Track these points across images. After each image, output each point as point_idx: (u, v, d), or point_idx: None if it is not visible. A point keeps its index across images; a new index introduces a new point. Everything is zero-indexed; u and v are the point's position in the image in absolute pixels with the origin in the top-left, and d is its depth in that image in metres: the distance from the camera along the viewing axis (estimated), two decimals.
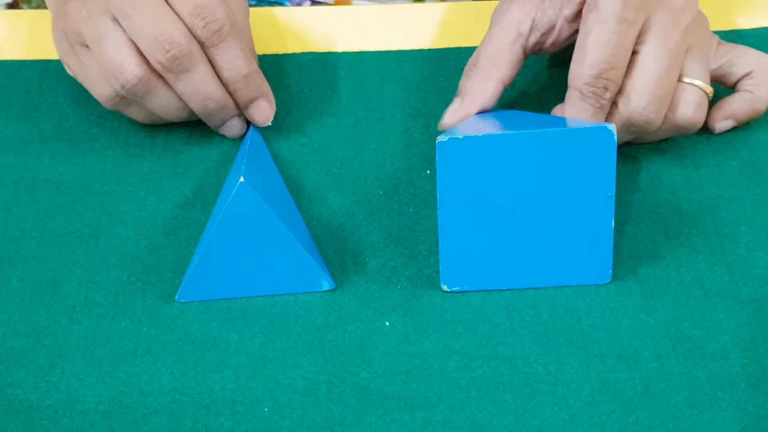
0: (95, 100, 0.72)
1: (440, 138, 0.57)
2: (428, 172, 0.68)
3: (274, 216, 0.59)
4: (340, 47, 0.75)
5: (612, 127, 0.57)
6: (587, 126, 0.57)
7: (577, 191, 0.58)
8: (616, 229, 0.64)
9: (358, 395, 0.57)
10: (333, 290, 0.62)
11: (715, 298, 0.61)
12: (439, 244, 0.60)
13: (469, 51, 0.74)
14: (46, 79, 0.74)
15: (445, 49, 0.74)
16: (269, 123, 0.68)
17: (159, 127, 0.71)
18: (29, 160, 0.69)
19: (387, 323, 0.60)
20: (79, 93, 0.73)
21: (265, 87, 0.67)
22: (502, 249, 0.60)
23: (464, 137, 0.57)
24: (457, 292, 0.61)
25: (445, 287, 0.61)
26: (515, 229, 0.59)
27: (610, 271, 0.61)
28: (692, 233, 0.64)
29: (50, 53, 0.74)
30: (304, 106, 0.72)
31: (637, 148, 0.68)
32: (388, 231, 0.65)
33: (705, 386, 0.56)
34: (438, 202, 0.59)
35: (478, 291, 0.61)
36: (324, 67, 0.75)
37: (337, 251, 0.64)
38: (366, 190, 0.67)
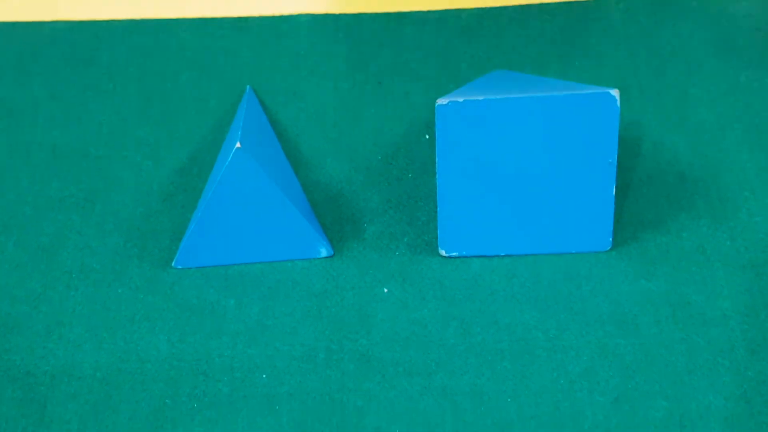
0: (90, 63, 0.72)
1: (440, 101, 0.57)
2: (427, 137, 0.67)
3: (271, 182, 0.58)
4: (338, 9, 0.74)
5: (615, 92, 0.56)
6: (590, 91, 0.56)
7: (578, 157, 0.58)
8: (617, 195, 0.63)
9: (357, 362, 0.56)
10: (331, 257, 0.61)
11: (716, 263, 0.60)
12: (438, 209, 0.59)
13: (469, 12, 0.74)
14: (40, 42, 0.73)
15: (445, 11, 0.73)
16: None
17: (154, 92, 0.70)
18: (23, 124, 0.68)
19: (385, 290, 0.60)
20: (73, 56, 0.72)
21: None
22: (502, 214, 0.59)
23: (465, 101, 0.56)
24: (455, 258, 0.61)
25: (443, 252, 0.61)
26: (515, 194, 0.59)
27: (611, 239, 0.60)
28: (694, 198, 0.64)
29: (44, 14, 0.73)
30: (301, 69, 0.71)
31: (640, 111, 0.68)
32: (386, 197, 0.64)
33: (704, 352, 0.56)
34: (437, 166, 0.58)
35: (477, 257, 0.61)
36: (322, 29, 0.74)
37: (335, 217, 0.63)
38: (364, 156, 0.66)
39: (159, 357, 0.57)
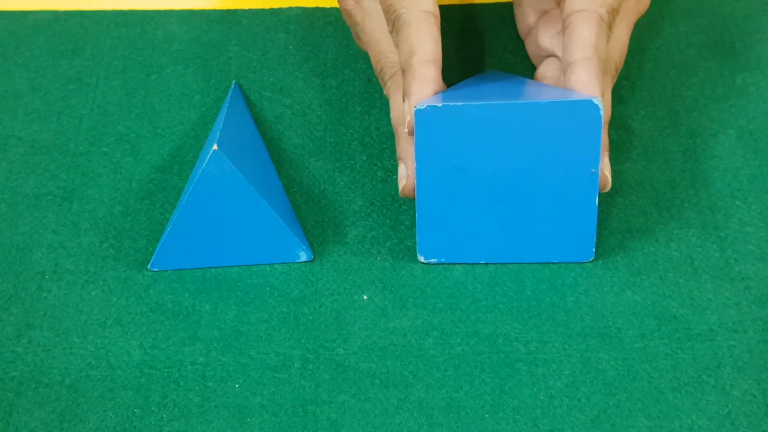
0: (73, 55, 0.70)
1: (419, 105, 0.55)
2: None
3: (248, 185, 0.57)
4: (328, 2, 0.73)
5: (597, 100, 0.55)
6: (572, 99, 0.55)
7: (560, 165, 0.56)
8: (604, 201, 0.62)
9: (333, 372, 0.55)
10: (311, 261, 0.60)
11: (705, 275, 0.59)
12: (417, 214, 0.58)
13: (458, 9, 0.72)
14: (22, 31, 0.72)
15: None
16: None
17: (137, 85, 0.68)
18: (2, 117, 0.67)
19: (365, 297, 0.58)
20: (56, 46, 0.71)
21: None
22: (482, 222, 0.58)
23: (443, 106, 0.55)
24: (434, 264, 0.59)
25: (421, 258, 0.59)
26: (495, 201, 0.57)
27: (593, 249, 0.59)
28: (684, 206, 0.62)
29: (28, 4, 0.72)
30: (288, 64, 0.70)
31: (631, 114, 0.66)
32: (370, 199, 0.63)
33: (689, 368, 0.55)
34: (416, 171, 0.57)
35: (458, 264, 0.59)
36: (311, 23, 0.72)
37: (317, 220, 0.62)
38: (349, 156, 0.65)
39: (130, 363, 0.55)
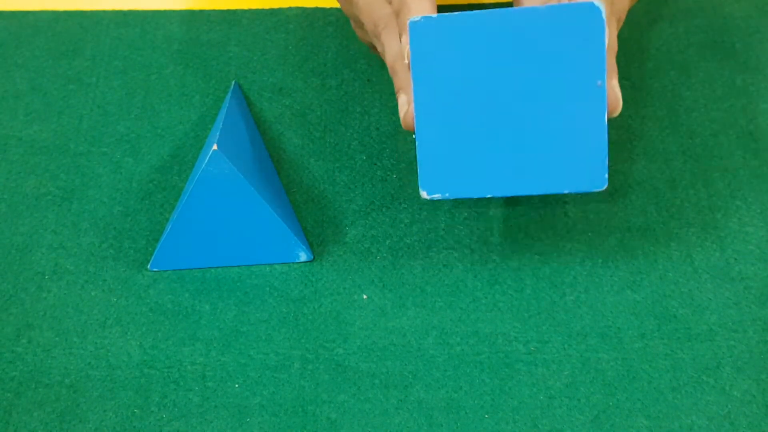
0: (73, 55, 0.70)
1: (413, 17, 0.52)
2: (414, 136, 0.65)
3: (248, 185, 0.57)
4: (328, 2, 0.73)
5: (599, 3, 0.51)
6: (570, 3, 0.51)
7: (563, 79, 0.52)
8: (605, 200, 0.62)
9: (332, 372, 0.55)
10: (311, 261, 0.60)
11: (705, 275, 0.59)
12: (416, 144, 0.54)
13: (462, 9, 0.72)
14: (22, 31, 0.72)
15: (438, 6, 0.72)
16: None
17: (137, 85, 0.68)
18: (2, 117, 0.67)
19: (365, 296, 0.58)
20: (56, 46, 0.71)
21: None
22: (486, 148, 0.53)
23: (439, 16, 0.51)
24: (438, 200, 0.57)
25: (424, 194, 0.54)
26: (498, 125, 0.53)
27: (606, 176, 0.53)
28: (684, 206, 0.62)
29: (28, 4, 0.72)
30: (288, 64, 0.70)
31: (631, 114, 0.66)
32: (370, 198, 0.63)
33: (689, 368, 0.55)
34: (414, 93, 0.53)
35: (462, 200, 0.55)
36: (311, 23, 0.72)
37: (316, 220, 0.62)
38: (349, 155, 0.65)
39: (130, 363, 0.55)
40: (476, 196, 0.54)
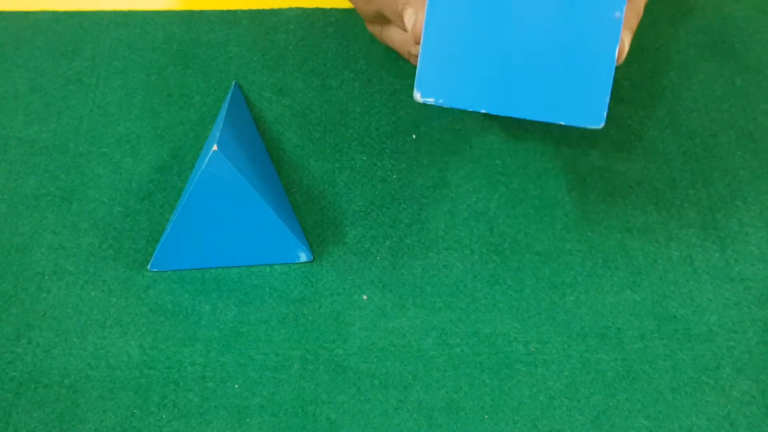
0: (73, 55, 0.70)
1: None
2: (414, 136, 0.65)
3: (248, 185, 0.57)
4: (328, 2, 0.73)
5: None
6: None
7: (580, 6, 0.50)
8: (605, 201, 0.62)
9: (332, 372, 0.55)
10: (310, 261, 0.60)
11: (705, 275, 0.59)
12: (421, 47, 0.52)
13: None
14: (22, 32, 0.72)
15: None
16: None
17: (137, 86, 0.68)
18: (2, 117, 0.67)
19: (364, 297, 0.58)
20: (56, 47, 0.71)
21: None
22: (488, 64, 0.52)
23: None
24: (430, 105, 0.55)
25: (418, 95, 0.52)
26: (505, 44, 0.51)
27: (604, 114, 0.51)
28: (684, 206, 0.62)
29: (28, 4, 0.72)
30: (288, 64, 0.70)
31: (631, 114, 0.66)
32: (370, 199, 0.63)
33: (689, 369, 0.55)
34: (427, 2, 0.52)
35: (455, 110, 0.55)
36: (311, 23, 0.72)
37: (316, 220, 0.62)
38: (349, 156, 0.65)
39: (129, 364, 0.55)
40: (469, 109, 0.53)
